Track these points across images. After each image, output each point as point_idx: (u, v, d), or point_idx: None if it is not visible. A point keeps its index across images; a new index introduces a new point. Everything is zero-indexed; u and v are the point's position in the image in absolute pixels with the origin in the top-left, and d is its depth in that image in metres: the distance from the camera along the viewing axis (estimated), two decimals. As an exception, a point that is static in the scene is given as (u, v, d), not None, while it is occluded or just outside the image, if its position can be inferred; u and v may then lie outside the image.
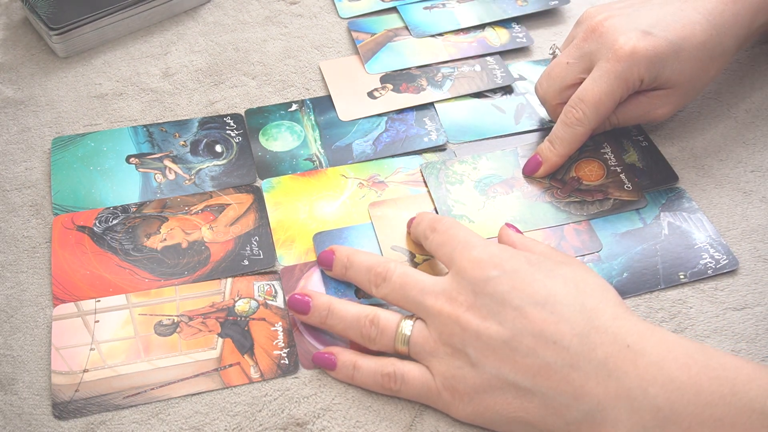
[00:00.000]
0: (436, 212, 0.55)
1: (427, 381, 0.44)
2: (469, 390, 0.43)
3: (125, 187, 0.56)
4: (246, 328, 0.49)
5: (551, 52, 0.60)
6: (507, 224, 0.52)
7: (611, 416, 0.40)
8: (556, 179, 0.57)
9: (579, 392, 0.40)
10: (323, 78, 0.65)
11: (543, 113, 0.62)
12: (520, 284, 0.43)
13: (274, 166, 0.58)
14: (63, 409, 0.45)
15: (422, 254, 0.53)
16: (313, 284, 0.51)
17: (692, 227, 0.54)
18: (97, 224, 0.54)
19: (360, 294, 0.51)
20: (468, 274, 0.45)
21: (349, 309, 0.47)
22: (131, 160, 0.58)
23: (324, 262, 0.51)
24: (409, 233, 0.54)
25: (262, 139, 0.60)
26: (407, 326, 0.45)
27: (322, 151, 0.60)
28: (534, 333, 0.42)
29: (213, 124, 0.61)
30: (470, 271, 0.45)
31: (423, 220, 0.51)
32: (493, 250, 0.46)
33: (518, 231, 0.51)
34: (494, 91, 0.64)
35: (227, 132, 0.61)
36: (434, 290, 0.45)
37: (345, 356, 0.46)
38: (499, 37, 0.68)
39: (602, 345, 0.41)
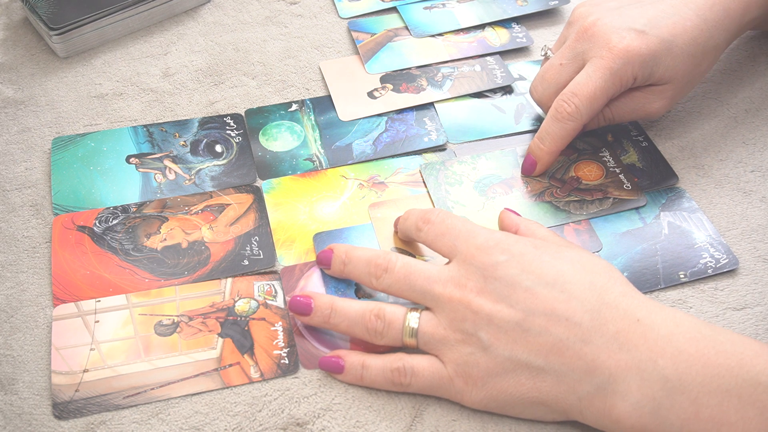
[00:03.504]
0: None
1: (438, 370, 0.45)
2: (483, 374, 0.43)
3: (125, 187, 0.56)
4: (246, 328, 0.49)
5: (543, 53, 0.60)
6: (506, 209, 0.52)
7: (622, 388, 0.40)
8: (556, 178, 0.57)
9: (591, 366, 0.41)
10: (323, 78, 0.65)
11: (543, 113, 0.62)
12: (529, 266, 0.44)
13: (274, 166, 0.58)
14: (63, 409, 0.45)
15: (421, 255, 0.53)
16: (313, 284, 0.51)
17: (692, 227, 0.54)
18: (97, 224, 0.54)
19: (360, 294, 0.51)
20: (476, 260, 0.45)
21: (352, 306, 0.47)
22: (131, 160, 0.58)
23: (323, 261, 0.51)
24: (396, 232, 0.54)
25: (262, 139, 0.60)
26: (413, 318, 0.45)
27: (322, 151, 0.60)
28: (546, 312, 0.42)
29: (213, 124, 0.61)
30: (478, 257, 0.45)
31: (412, 214, 0.51)
32: (498, 236, 0.46)
33: (517, 214, 0.51)
34: (494, 91, 0.64)
35: (227, 132, 0.61)
36: (441, 278, 0.45)
37: (352, 358, 0.46)
38: (499, 37, 0.68)
39: (613, 320, 0.42)
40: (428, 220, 0.49)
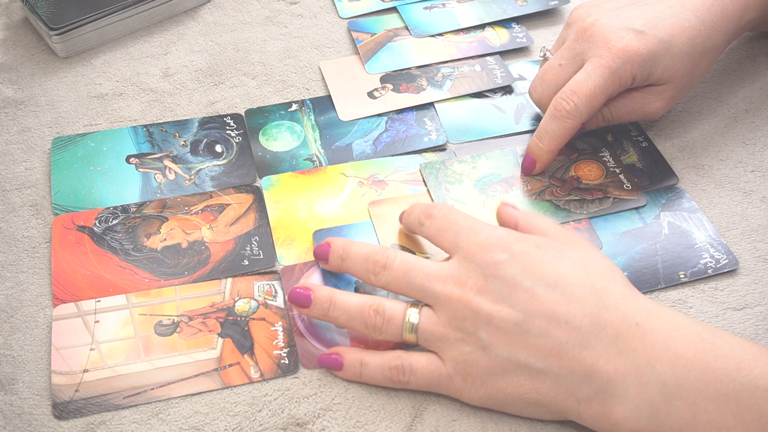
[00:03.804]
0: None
1: (437, 368, 0.44)
2: (482, 374, 0.43)
3: (125, 187, 0.56)
4: (246, 328, 0.49)
5: (542, 54, 0.60)
6: (504, 202, 0.51)
7: (620, 392, 0.40)
8: (556, 177, 0.57)
9: (590, 370, 0.41)
10: (323, 78, 0.65)
11: (542, 114, 0.62)
12: (530, 267, 0.44)
13: (274, 166, 0.58)
14: (63, 409, 0.45)
15: (422, 252, 0.53)
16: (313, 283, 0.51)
17: (692, 227, 0.54)
18: (97, 224, 0.54)
19: (360, 292, 0.51)
20: (476, 258, 0.45)
21: (351, 299, 0.47)
22: (131, 160, 0.58)
23: (320, 255, 0.50)
24: (400, 228, 0.54)
25: (262, 139, 0.60)
26: (414, 314, 0.45)
27: (322, 151, 0.60)
28: (546, 314, 0.42)
29: (213, 124, 0.61)
30: (479, 254, 0.45)
31: (416, 208, 0.50)
32: (501, 234, 0.46)
33: (516, 208, 0.50)
34: (494, 91, 0.64)
35: (227, 132, 0.61)
36: (441, 275, 0.45)
37: (351, 355, 0.46)
38: (499, 37, 0.68)
39: (612, 324, 0.42)
40: (430, 215, 0.49)
